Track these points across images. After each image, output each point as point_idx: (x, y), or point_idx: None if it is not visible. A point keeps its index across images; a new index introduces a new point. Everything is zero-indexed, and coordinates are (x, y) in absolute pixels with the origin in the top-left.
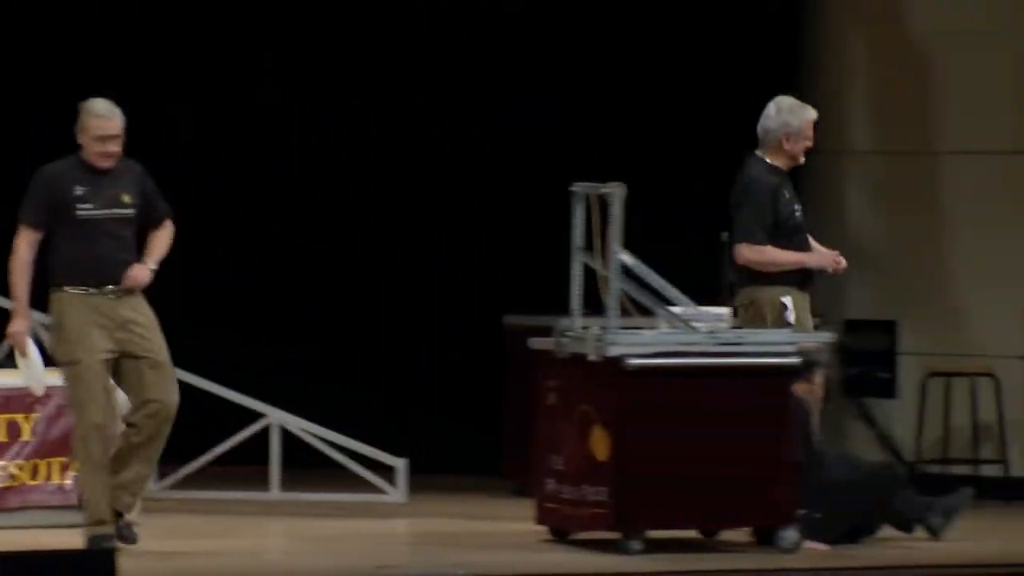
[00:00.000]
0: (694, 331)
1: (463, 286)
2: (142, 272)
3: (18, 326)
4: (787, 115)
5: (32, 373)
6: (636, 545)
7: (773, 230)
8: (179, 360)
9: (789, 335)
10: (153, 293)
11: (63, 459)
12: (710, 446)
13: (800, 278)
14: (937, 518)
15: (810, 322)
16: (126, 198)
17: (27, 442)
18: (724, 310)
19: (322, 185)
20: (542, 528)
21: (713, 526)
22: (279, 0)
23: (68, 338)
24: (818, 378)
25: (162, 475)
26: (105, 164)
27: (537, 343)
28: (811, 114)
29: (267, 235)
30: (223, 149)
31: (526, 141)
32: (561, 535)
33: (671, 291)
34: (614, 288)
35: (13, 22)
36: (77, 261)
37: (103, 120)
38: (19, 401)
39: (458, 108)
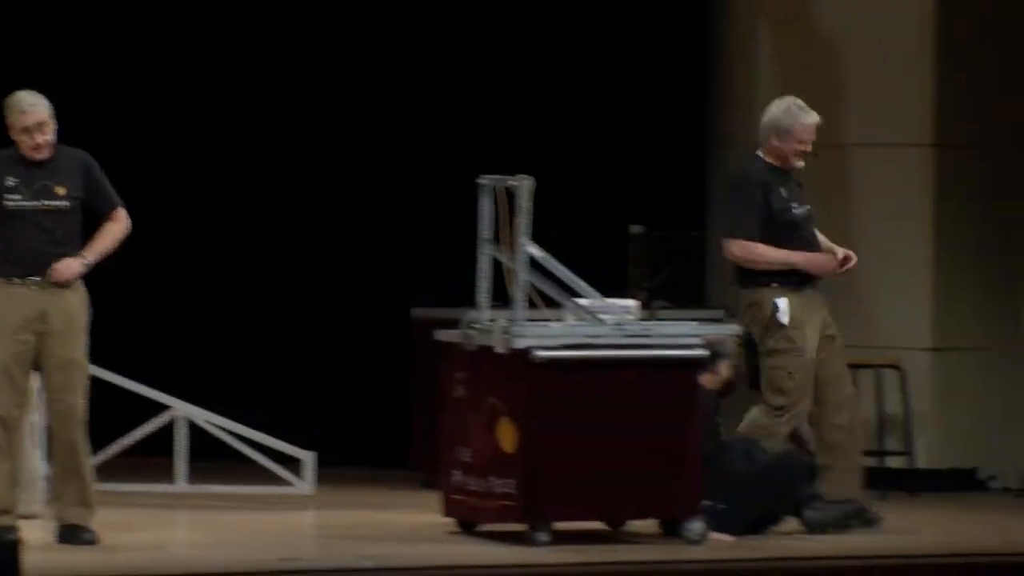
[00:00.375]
0: (601, 323)
1: (372, 278)
2: (69, 266)
3: None
4: (779, 113)
5: None
6: (543, 537)
7: (765, 226)
8: (93, 356)
9: (695, 327)
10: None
11: None
12: (617, 438)
13: (799, 278)
14: (819, 515)
15: (817, 321)
16: (60, 190)
17: None
18: (631, 302)
19: (242, 174)
20: (449, 520)
21: (620, 518)
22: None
23: None
24: (724, 369)
25: None
26: (38, 155)
27: (444, 335)
28: (808, 118)
29: (180, 229)
30: (216, 145)
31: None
32: (468, 527)
33: (578, 283)
34: (521, 280)
35: (11, 20)
36: (4, 252)
37: (24, 114)
38: None
39: (447, 108)
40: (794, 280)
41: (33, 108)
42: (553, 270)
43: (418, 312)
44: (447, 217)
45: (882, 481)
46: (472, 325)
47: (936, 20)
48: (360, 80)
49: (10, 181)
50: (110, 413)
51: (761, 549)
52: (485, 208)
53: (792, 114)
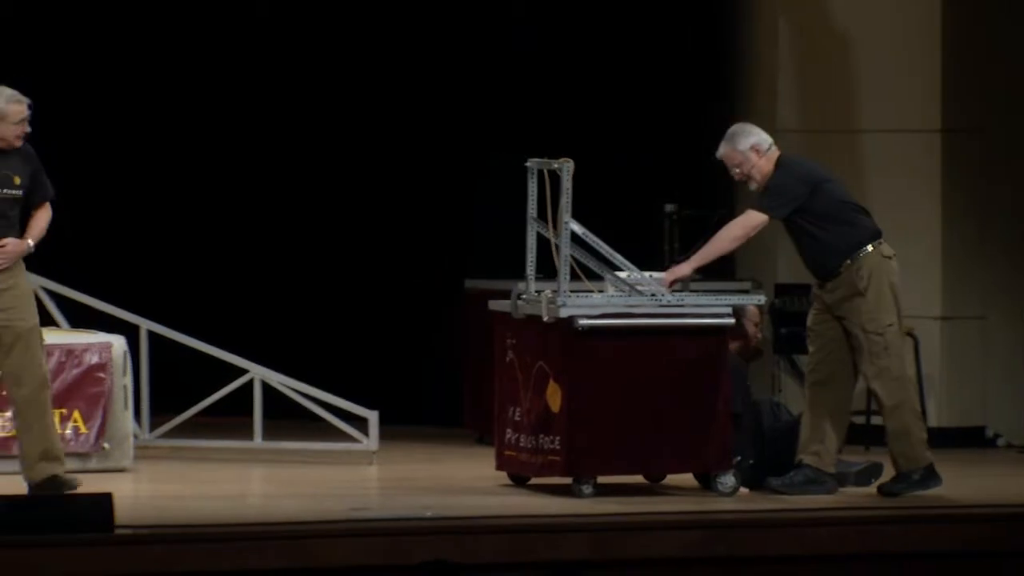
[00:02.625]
0: (638, 294)
1: (430, 253)
2: (17, 245)
3: None
4: None
5: None
6: (587, 490)
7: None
8: (172, 322)
9: (723, 297)
10: (160, 261)
11: (63, 410)
12: (654, 399)
13: None
14: (840, 471)
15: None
16: (17, 179)
17: None
18: (665, 275)
19: (307, 157)
20: (501, 474)
21: (658, 472)
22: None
23: None
24: (750, 335)
25: (154, 425)
26: (16, 144)
27: (496, 305)
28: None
29: (257, 210)
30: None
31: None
32: (519, 480)
33: (617, 257)
34: (565, 254)
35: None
36: None
37: (21, 104)
38: None
39: (501, 95)
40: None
41: (25, 100)
42: (594, 245)
43: (471, 284)
44: (497, 195)
45: None
46: (521, 296)
47: (943, 15)
48: (417, 60)
49: None
50: (195, 376)
51: (785, 502)
52: (532, 188)
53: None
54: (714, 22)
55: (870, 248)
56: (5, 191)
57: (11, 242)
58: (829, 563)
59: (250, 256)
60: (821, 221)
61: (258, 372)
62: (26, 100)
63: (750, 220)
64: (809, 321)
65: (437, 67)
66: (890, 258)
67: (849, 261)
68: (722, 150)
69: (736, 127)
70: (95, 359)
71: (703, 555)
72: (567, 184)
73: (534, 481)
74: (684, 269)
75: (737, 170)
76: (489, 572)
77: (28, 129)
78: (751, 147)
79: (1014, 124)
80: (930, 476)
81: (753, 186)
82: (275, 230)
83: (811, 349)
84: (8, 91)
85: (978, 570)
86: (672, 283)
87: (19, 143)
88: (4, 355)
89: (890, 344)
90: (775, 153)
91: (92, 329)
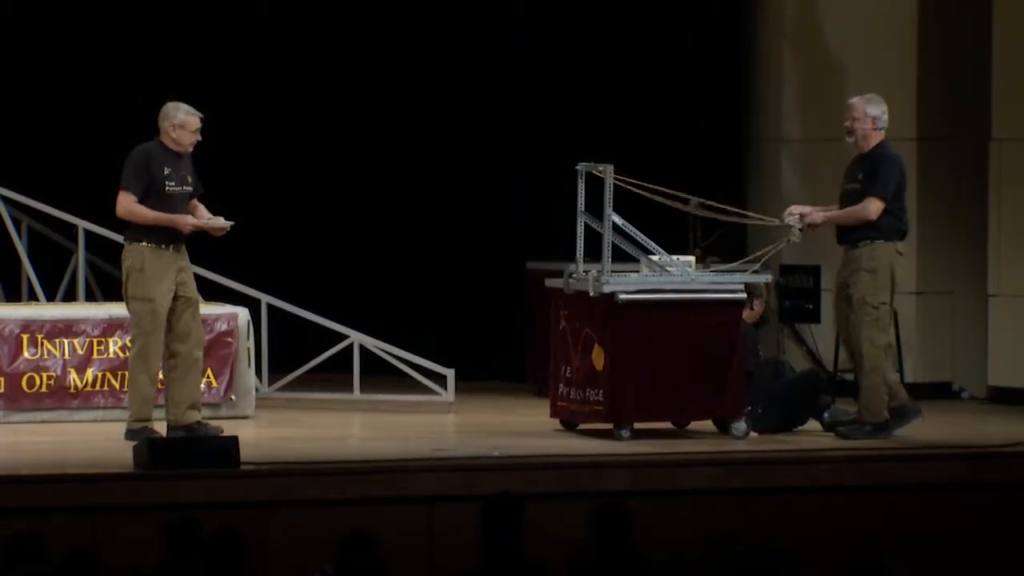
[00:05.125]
0: (668, 273)
1: (500, 238)
2: (218, 220)
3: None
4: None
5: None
6: (625, 434)
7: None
8: (287, 296)
9: (737, 276)
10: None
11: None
12: (680, 359)
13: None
14: (833, 419)
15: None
16: (189, 179)
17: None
18: (690, 258)
19: (390, 146)
20: (555, 421)
21: (683, 419)
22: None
23: None
24: (758, 307)
25: (272, 380)
26: (189, 150)
27: (551, 283)
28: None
29: (358, 204)
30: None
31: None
32: (569, 426)
33: (650, 244)
34: (607, 241)
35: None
36: (155, 225)
37: (194, 116)
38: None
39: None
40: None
41: (198, 113)
42: (631, 233)
43: (532, 264)
44: (555, 189)
45: None
46: (572, 275)
47: (919, 37)
48: (480, 66)
49: (166, 170)
50: (305, 340)
51: (789, 443)
52: (580, 187)
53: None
54: (730, 49)
55: (888, 242)
56: (184, 188)
57: (221, 219)
58: (829, 493)
59: (352, 241)
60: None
61: (357, 337)
62: (199, 113)
63: (874, 207)
64: (835, 313)
65: (497, 71)
66: (901, 254)
67: (868, 242)
68: (855, 100)
69: (875, 96)
70: (224, 327)
71: (722, 487)
72: (609, 183)
73: (582, 427)
74: (818, 217)
75: (849, 122)
76: (546, 501)
77: (199, 138)
78: (873, 116)
79: (979, 132)
80: (880, 430)
81: (849, 140)
82: (372, 221)
83: (842, 337)
84: (184, 105)
85: (953, 499)
86: (801, 217)
87: (191, 149)
88: (176, 319)
89: (880, 319)
90: (882, 136)
91: (222, 302)
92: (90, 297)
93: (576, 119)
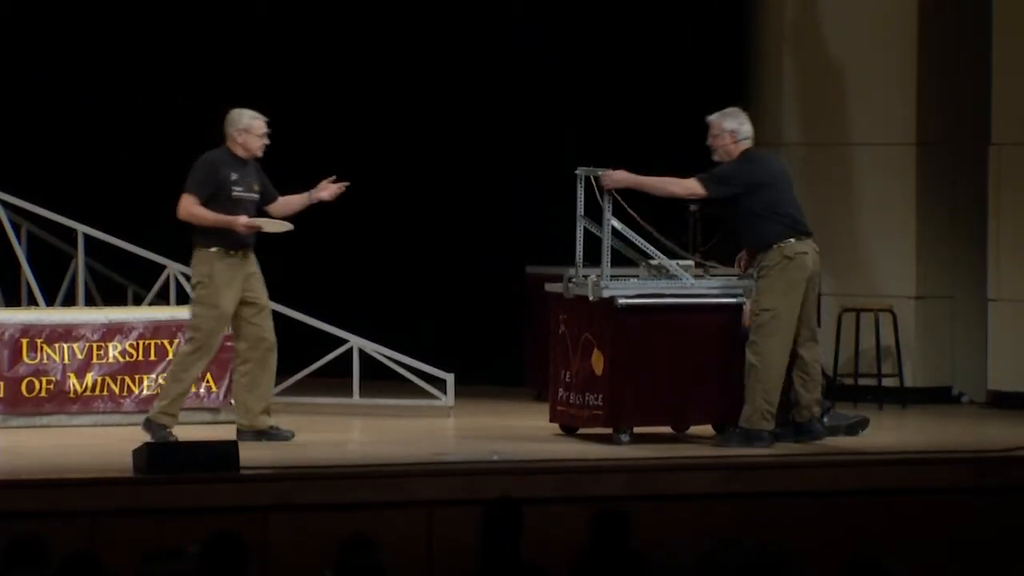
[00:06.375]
0: (667, 278)
1: (499, 244)
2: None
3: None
4: None
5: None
6: (624, 438)
7: None
8: (287, 301)
9: (735, 280)
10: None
11: None
12: (679, 364)
13: None
14: (833, 422)
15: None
16: (256, 187)
17: (171, 360)
18: (689, 262)
19: (389, 148)
20: (555, 425)
21: (683, 423)
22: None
23: None
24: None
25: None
26: (258, 155)
27: (551, 287)
28: None
29: (358, 211)
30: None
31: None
32: (569, 430)
33: (650, 248)
34: (607, 245)
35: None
36: (223, 230)
37: (259, 120)
38: (166, 329)
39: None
40: None
41: (262, 117)
42: (631, 238)
43: (531, 269)
44: (555, 192)
45: (880, 397)
46: (571, 280)
47: (919, 38)
48: (488, 66)
49: (233, 176)
50: (305, 344)
51: (788, 447)
52: (580, 192)
53: None
54: (732, 54)
55: (775, 246)
56: (250, 194)
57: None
58: (828, 497)
59: (351, 245)
60: (747, 215)
61: (356, 342)
62: (263, 117)
63: (689, 186)
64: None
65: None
66: (791, 258)
67: (759, 251)
68: (712, 117)
69: (734, 110)
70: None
71: (721, 491)
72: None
73: (582, 431)
74: (620, 176)
75: (711, 140)
76: (545, 505)
77: (267, 141)
78: (731, 130)
79: (978, 136)
80: (751, 439)
81: (714, 157)
82: (371, 225)
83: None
84: (248, 110)
85: (953, 504)
86: (605, 178)
87: (260, 153)
88: (248, 324)
89: (763, 325)
90: (744, 146)
91: None
92: (90, 302)
93: (576, 120)
